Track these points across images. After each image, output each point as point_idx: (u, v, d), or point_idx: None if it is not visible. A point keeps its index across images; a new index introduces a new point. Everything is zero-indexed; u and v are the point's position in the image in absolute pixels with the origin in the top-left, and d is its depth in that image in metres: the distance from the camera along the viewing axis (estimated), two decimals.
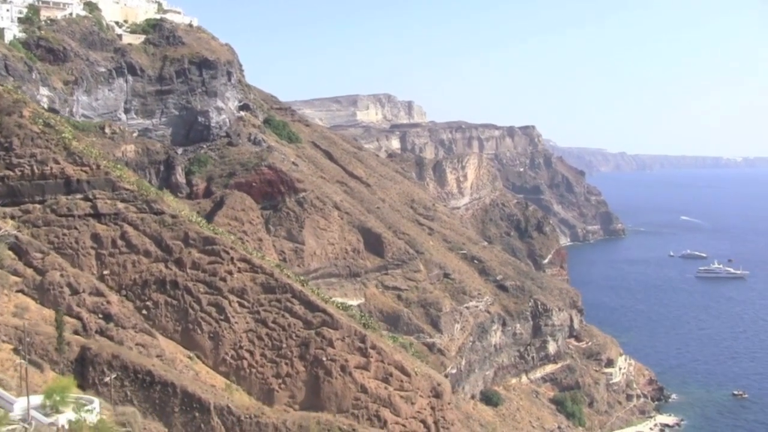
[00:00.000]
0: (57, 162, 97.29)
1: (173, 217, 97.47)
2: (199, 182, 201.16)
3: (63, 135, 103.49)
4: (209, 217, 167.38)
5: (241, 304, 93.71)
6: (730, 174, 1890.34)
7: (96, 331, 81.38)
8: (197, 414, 77.12)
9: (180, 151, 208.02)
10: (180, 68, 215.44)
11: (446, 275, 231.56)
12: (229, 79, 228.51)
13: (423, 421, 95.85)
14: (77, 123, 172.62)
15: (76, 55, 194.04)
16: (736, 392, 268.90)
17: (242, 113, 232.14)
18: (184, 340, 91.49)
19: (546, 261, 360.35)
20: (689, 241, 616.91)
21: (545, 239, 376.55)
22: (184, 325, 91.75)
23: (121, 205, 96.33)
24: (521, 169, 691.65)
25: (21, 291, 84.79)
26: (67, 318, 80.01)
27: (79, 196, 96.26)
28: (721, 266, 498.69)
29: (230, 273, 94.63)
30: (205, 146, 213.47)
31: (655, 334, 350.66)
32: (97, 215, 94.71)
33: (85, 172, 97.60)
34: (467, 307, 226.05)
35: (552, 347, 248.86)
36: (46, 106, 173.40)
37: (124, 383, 77.19)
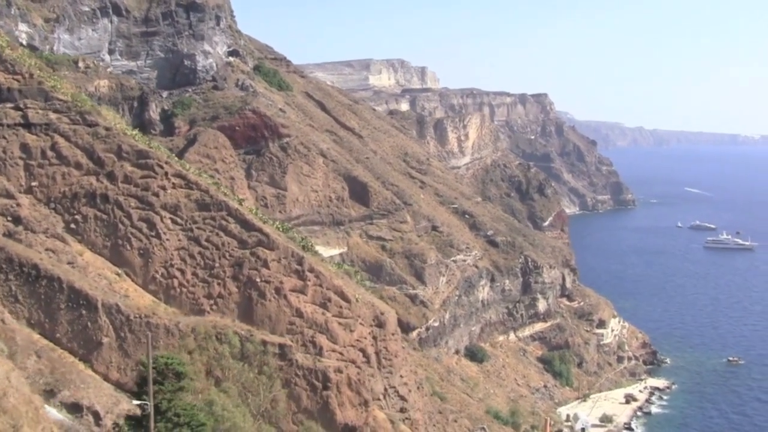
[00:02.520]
0: None
1: (107, 129, 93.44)
2: (181, 125, 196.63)
3: None
4: (181, 154, 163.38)
5: (173, 221, 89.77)
6: (747, 151, 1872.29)
7: (3, 234, 77.75)
8: (84, 312, 73.38)
9: (165, 94, 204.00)
10: (166, 10, 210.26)
11: (434, 228, 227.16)
12: (218, 24, 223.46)
13: (362, 350, 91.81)
14: (49, 56, 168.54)
15: None
16: (731, 358, 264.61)
17: (231, 59, 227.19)
18: (113, 256, 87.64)
19: (546, 223, 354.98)
20: (698, 212, 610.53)
21: (546, 202, 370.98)
22: (114, 241, 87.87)
23: (53, 116, 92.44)
24: (532, 137, 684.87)
25: None
26: (17, 246, 76.45)
27: (9, 105, 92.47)
28: (729, 237, 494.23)
29: (163, 188, 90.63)
30: (190, 90, 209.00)
31: (656, 301, 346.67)
32: (28, 125, 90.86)
33: (17, 80, 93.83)
34: (454, 261, 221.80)
35: (542, 305, 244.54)
36: (24, 43, 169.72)
37: (8, 277, 73.62)
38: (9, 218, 79.17)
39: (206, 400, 58.44)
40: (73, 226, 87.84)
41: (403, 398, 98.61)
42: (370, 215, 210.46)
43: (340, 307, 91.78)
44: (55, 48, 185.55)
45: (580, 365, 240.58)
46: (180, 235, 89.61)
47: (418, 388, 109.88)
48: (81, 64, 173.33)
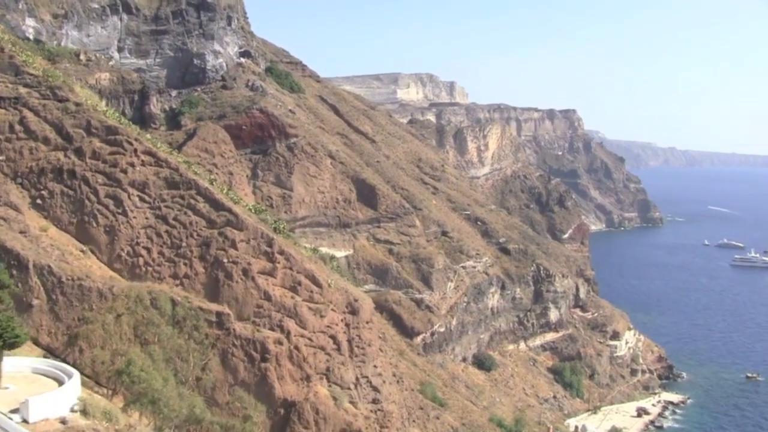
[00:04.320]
0: None
1: (77, 104, 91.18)
2: (188, 123, 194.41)
3: None
4: (180, 148, 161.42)
5: (141, 199, 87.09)
6: None
7: None
8: (15, 272, 70.66)
9: (174, 93, 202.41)
10: (177, 9, 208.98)
11: (444, 233, 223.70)
12: (229, 24, 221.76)
13: (333, 337, 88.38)
14: (51, 48, 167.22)
15: None
16: (750, 374, 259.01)
17: (242, 60, 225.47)
18: (79, 232, 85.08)
19: (566, 236, 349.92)
20: (726, 231, 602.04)
21: (566, 214, 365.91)
22: (80, 217, 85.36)
23: (23, 90, 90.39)
24: (559, 153, 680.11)
25: None
26: None
27: None
28: (757, 255, 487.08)
29: (132, 165, 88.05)
30: (199, 89, 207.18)
31: (678, 316, 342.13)
32: None
33: None
34: (463, 267, 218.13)
35: (554, 315, 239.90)
36: (32, 38, 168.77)
37: None
38: None
39: (126, 360, 55.81)
40: (39, 201, 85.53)
41: (375, 389, 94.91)
42: (377, 218, 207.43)
43: (311, 291, 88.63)
44: (62, 44, 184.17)
45: (591, 377, 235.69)
46: (147, 213, 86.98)
47: (397, 381, 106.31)
48: (82, 57, 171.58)
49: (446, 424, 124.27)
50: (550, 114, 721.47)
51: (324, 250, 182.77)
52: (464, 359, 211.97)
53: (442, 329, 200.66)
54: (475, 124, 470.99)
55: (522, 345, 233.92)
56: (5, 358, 50.04)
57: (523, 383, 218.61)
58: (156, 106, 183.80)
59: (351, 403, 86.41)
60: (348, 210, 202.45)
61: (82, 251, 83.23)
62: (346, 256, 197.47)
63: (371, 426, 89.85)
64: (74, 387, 46.03)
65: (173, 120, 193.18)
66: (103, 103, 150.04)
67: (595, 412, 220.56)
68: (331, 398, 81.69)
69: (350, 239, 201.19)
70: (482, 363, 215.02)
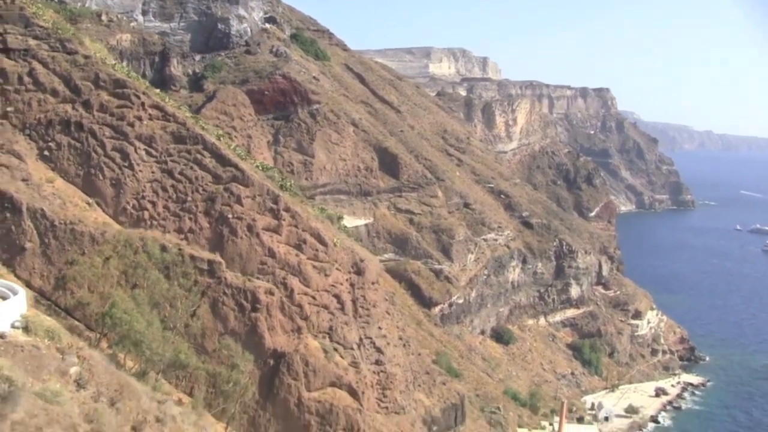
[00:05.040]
0: None
1: (86, 57, 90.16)
2: (210, 87, 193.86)
3: None
4: (199, 110, 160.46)
5: (148, 152, 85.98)
6: None
7: None
8: (8, 215, 70.03)
9: (198, 57, 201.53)
10: None
11: (466, 205, 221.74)
12: None
13: (337, 296, 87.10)
14: (73, 8, 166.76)
15: None
16: None
17: (267, 25, 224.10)
18: (86, 185, 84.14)
19: (593, 214, 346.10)
20: (759, 217, 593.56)
21: (594, 192, 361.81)
22: (86, 170, 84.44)
23: (32, 42, 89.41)
24: (591, 132, 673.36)
25: None
26: None
27: None
28: None
29: (139, 119, 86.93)
30: (222, 54, 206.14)
31: (704, 300, 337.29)
32: (6, 50, 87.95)
33: None
34: (485, 239, 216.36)
35: (575, 291, 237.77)
36: (56, 1, 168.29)
37: None
38: None
39: (111, 303, 55.11)
40: (46, 153, 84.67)
41: (379, 350, 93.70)
42: (399, 188, 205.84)
43: (316, 250, 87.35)
44: (86, 5, 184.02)
45: (611, 355, 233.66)
46: (153, 167, 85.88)
47: (404, 345, 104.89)
48: (104, 17, 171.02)
49: (452, 390, 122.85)
50: (583, 92, 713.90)
51: (345, 217, 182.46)
52: (482, 332, 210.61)
53: (461, 301, 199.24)
54: (504, 99, 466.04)
55: (542, 320, 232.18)
56: None
57: (541, 358, 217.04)
58: (177, 68, 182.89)
59: (353, 363, 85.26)
60: (369, 178, 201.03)
61: (87, 203, 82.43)
62: (366, 225, 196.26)
63: (370, 385, 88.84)
64: (18, 304, 44.89)
65: (196, 84, 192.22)
66: (124, 63, 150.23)
67: (612, 390, 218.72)
68: (322, 351, 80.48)
69: (371, 208, 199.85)
70: (500, 336, 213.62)
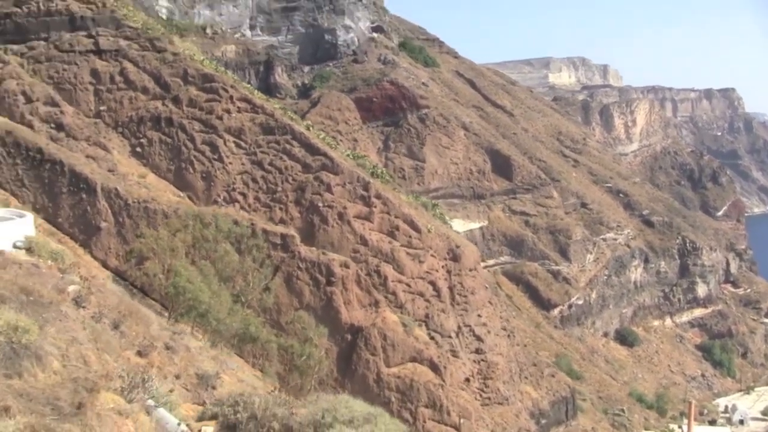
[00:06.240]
0: None
1: (174, 54, 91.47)
2: (316, 94, 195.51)
3: None
4: (304, 116, 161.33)
5: (237, 145, 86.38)
6: None
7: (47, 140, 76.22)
8: (84, 195, 70.55)
9: (306, 69, 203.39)
10: None
11: (583, 205, 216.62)
12: None
13: (432, 283, 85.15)
14: (179, 23, 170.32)
15: None
16: None
17: (374, 35, 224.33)
18: (177, 179, 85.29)
19: (720, 213, 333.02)
20: None
21: (720, 190, 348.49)
22: (177, 164, 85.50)
23: (123, 43, 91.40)
24: (718, 133, 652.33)
25: None
26: (19, 125, 75.31)
27: (82, 33, 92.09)
28: None
29: (228, 112, 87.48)
30: (330, 64, 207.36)
31: None
32: (99, 52, 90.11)
33: (90, 9, 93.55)
34: (603, 239, 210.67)
35: (701, 290, 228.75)
36: (164, 17, 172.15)
37: (16, 161, 71.57)
38: (52, 125, 77.84)
39: (174, 272, 54.39)
40: (138, 149, 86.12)
41: (479, 338, 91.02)
42: (513, 189, 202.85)
43: (410, 236, 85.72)
44: (195, 23, 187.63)
45: (744, 355, 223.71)
46: (243, 159, 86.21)
47: (508, 336, 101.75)
48: (209, 30, 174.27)
49: (562, 383, 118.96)
50: (708, 94, 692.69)
51: (458, 221, 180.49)
52: (605, 334, 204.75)
53: (581, 302, 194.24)
54: (622, 101, 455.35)
55: (668, 321, 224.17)
56: None
57: (668, 360, 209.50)
58: (281, 76, 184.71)
59: (451, 351, 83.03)
60: (482, 181, 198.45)
61: (179, 197, 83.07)
62: (481, 228, 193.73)
63: (471, 374, 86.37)
64: (22, 226, 44.33)
65: (304, 94, 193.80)
66: (230, 73, 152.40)
67: (748, 393, 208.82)
68: (401, 324, 78.33)
69: (485, 211, 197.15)
70: (625, 338, 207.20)
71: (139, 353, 28.95)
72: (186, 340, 39.43)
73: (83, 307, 29.49)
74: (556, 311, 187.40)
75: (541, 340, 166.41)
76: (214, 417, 22.23)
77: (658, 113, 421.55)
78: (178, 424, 21.20)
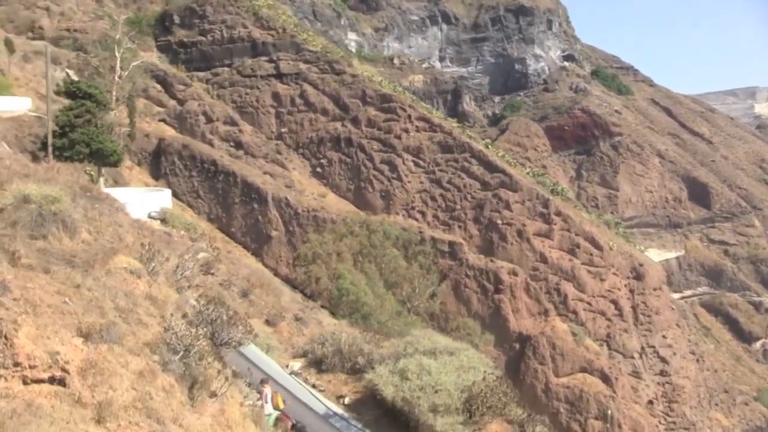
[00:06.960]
0: (245, 26, 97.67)
1: (353, 76, 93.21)
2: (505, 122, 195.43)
3: (253, 1, 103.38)
4: (492, 142, 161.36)
5: (416, 163, 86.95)
6: None
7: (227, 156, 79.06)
8: (256, 205, 71.99)
9: (497, 99, 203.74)
10: (495, 15, 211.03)
11: None
12: (550, 28, 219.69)
13: (614, 302, 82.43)
14: (366, 54, 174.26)
15: (388, 4, 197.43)
16: None
17: (566, 63, 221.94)
18: (356, 198, 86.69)
19: None
20: None
21: None
22: (357, 184, 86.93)
23: (303, 66, 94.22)
24: None
25: (163, 120, 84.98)
26: (199, 144, 78.45)
27: (264, 58, 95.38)
28: None
29: (406, 131, 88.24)
30: (521, 94, 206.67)
31: None
32: (279, 75, 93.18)
33: (271, 35, 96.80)
34: None
35: None
36: (354, 51, 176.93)
37: (192, 173, 73.89)
38: (231, 143, 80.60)
39: (338, 274, 54.81)
40: (318, 169, 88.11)
41: (663, 360, 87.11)
42: (711, 218, 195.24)
43: (591, 254, 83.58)
44: (384, 55, 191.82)
45: None
46: (422, 177, 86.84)
47: (696, 360, 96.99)
48: (396, 61, 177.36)
49: (756, 412, 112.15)
50: None
51: (653, 250, 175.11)
52: None
53: None
54: None
55: None
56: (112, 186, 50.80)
57: None
58: (469, 104, 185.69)
59: (634, 372, 79.98)
60: (678, 209, 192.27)
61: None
62: (677, 257, 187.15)
63: (654, 396, 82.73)
64: (158, 198, 45.53)
65: (495, 124, 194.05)
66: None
67: None
68: (570, 334, 75.83)
69: (681, 240, 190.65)
70: None
71: (267, 322, 29.14)
72: (319, 315, 39.62)
73: (211, 274, 30.05)
74: (758, 344, 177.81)
75: (742, 373, 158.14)
76: (304, 355, 22.42)
77: None
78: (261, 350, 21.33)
